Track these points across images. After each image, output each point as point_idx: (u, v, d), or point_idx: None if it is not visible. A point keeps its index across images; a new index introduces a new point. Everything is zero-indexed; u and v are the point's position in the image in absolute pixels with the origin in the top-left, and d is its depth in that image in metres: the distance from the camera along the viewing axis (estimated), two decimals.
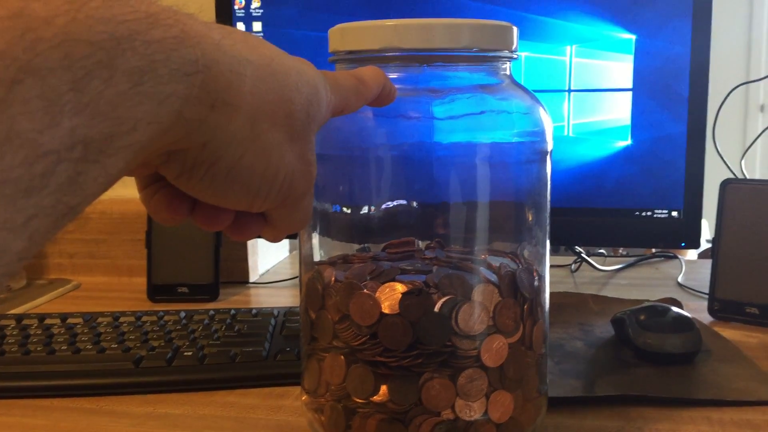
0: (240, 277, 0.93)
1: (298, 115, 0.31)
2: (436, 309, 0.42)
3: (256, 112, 0.29)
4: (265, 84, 0.29)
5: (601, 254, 1.04)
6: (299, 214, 0.35)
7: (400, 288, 0.42)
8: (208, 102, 0.27)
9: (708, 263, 0.76)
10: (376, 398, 0.42)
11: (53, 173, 0.22)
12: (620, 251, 1.19)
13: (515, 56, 0.44)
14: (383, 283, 0.43)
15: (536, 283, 0.46)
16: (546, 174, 0.46)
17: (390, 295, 0.42)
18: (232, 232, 0.35)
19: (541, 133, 0.45)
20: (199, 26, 0.26)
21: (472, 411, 0.42)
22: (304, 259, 0.48)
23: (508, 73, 0.45)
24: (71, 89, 0.22)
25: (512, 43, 0.44)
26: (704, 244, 1.03)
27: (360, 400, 0.43)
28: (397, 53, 0.42)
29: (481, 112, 0.44)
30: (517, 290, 0.44)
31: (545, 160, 0.46)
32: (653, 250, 1.05)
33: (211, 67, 0.26)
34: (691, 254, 1.28)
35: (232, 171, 0.29)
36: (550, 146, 0.46)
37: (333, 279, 0.45)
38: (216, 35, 0.27)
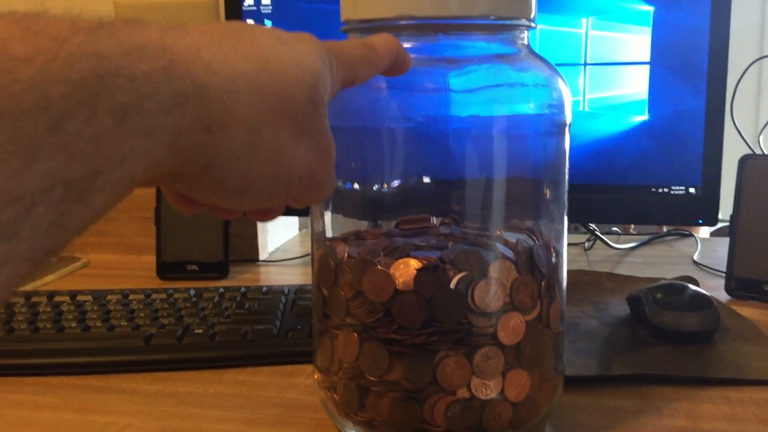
0: (250, 255, 0.92)
1: (303, 109, 0.30)
2: (452, 285, 0.41)
3: (256, 123, 0.28)
4: (261, 92, 0.28)
5: (615, 232, 1.03)
6: (323, 191, 0.34)
7: (414, 264, 0.41)
8: (202, 128, 0.26)
9: (724, 241, 0.74)
10: (390, 376, 0.42)
11: (26, 218, 0.21)
12: (631, 229, 1.17)
13: (533, 25, 0.43)
14: (397, 259, 0.42)
15: (554, 259, 0.45)
16: (564, 148, 0.45)
17: (404, 272, 0.41)
18: (253, 215, 0.35)
19: (559, 105, 0.44)
20: (187, 49, 0.25)
21: (488, 390, 0.41)
22: (316, 236, 0.47)
23: (525, 42, 0.44)
24: (47, 131, 0.21)
25: (530, 11, 0.42)
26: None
27: (374, 379, 0.42)
28: (411, 21, 0.40)
29: (498, 84, 0.42)
30: (535, 267, 0.43)
31: (563, 133, 0.44)
32: (665, 229, 1.03)
33: (201, 93, 0.25)
34: (704, 232, 1.26)
35: (243, 183, 0.29)
36: (568, 119, 0.44)
37: (346, 255, 0.44)
38: (206, 55, 0.26)
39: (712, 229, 1.26)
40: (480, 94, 0.42)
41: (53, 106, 0.21)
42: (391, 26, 0.41)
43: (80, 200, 0.22)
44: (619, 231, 1.04)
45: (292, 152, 0.30)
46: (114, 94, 0.22)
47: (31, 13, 0.22)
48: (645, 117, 0.73)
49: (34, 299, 0.68)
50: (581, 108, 0.73)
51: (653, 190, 0.73)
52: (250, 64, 0.28)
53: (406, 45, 0.40)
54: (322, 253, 0.45)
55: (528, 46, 0.44)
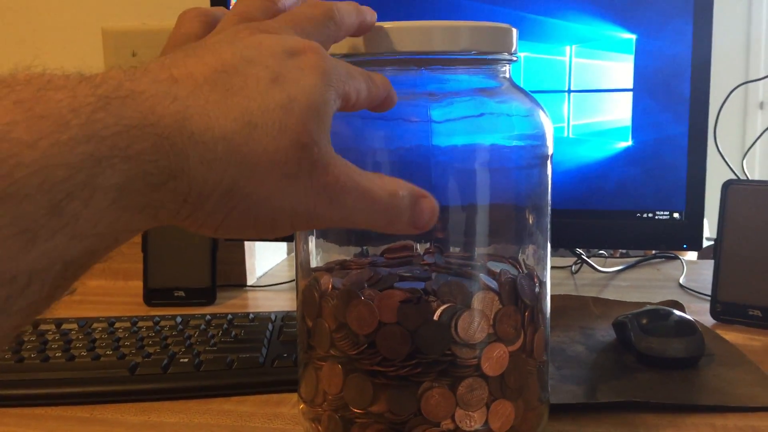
0: (237, 280, 0.92)
1: (289, 156, 0.29)
2: (435, 317, 0.41)
3: (232, 184, 0.28)
4: (239, 153, 0.28)
5: (602, 255, 1.03)
6: (357, 220, 0.33)
7: (398, 296, 0.42)
8: (180, 200, 0.27)
9: (709, 263, 0.75)
10: (374, 408, 0.42)
11: (20, 296, 0.22)
12: (619, 252, 1.18)
13: (515, 59, 0.44)
14: (381, 290, 0.42)
15: (537, 289, 0.45)
16: (547, 179, 0.45)
17: (388, 303, 0.41)
18: None
19: (541, 137, 0.44)
20: (174, 116, 0.26)
21: (472, 421, 0.41)
22: (301, 265, 0.47)
23: (507, 75, 0.44)
24: (48, 213, 0.22)
25: (512, 45, 0.43)
26: (704, 242, 1.03)
27: (358, 411, 0.42)
28: (394, 56, 0.41)
29: (480, 114, 0.43)
30: (518, 297, 0.43)
31: (545, 165, 0.45)
32: (653, 251, 1.04)
33: (183, 167, 0.26)
34: (692, 254, 1.27)
35: (219, 231, 0.29)
36: (550, 150, 0.45)
37: (330, 286, 0.44)
38: (190, 123, 0.26)
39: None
40: (461, 126, 0.43)
41: (55, 189, 0.22)
42: (375, 60, 0.41)
43: (75, 277, 0.23)
44: (606, 254, 1.04)
45: (280, 198, 0.29)
46: (110, 176, 0.23)
47: (32, 88, 0.23)
48: (629, 143, 0.73)
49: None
50: (566, 134, 0.74)
51: (638, 215, 0.74)
52: (231, 124, 0.28)
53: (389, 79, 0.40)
54: (306, 284, 0.45)
55: (510, 80, 0.45)
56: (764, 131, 0.93)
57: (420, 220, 0.34)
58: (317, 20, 0.35)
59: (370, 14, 0.39)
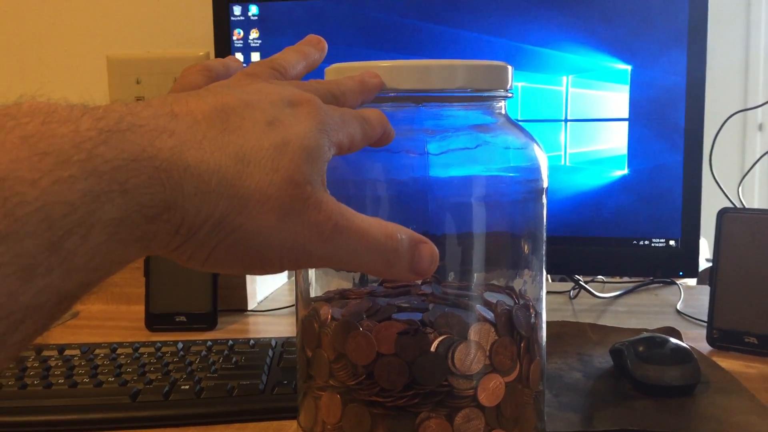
0: (238, 304, 0.92)
1: (282, 192, 0.29)
2: (432, 348, 0.42)
3: (224, 217, 0.28)
4: (231, 186, 0.28)
5: (600, 280, 1.04)
6: (353, 263, 0.32)
7: (396, 327, 0.42)
8: (173, 231, 0.27)
9: (707, 289, 0.76)
10: None
11: (15, 331, 0.22)
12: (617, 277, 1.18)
13: (510, 95, 0.45)
14: (379, 321, 0.43)
15: (533, 320, 0.46)
16: (542, 212, 0.46)
17: (386, 335, 0.42)
18: None
19: (536, 170, 0.45)
20: (171, 150, 0.26)
21: None
22: (301, 295, 0.48)
23: (503, 111, 0.46)
24: (47, 250, 0.22)
25: (507, 83, 0.44)
26: (704, 263, 1.04)
27: None
28: (392, 94, 0.42)
29: (475, 154, 0.44)
30: (514, 328, 0.44)
31: (540, 199, 0.46)
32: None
33: (176, 199, 0.27)
34: (690, 278, 1.27)
35: (208, 261, 0.30)
36: (545, 184, 0.46)
37: (329, 317, 0.45)
38: (186, 155, 0.27)
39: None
40: (458, 158, 0.44)
41: (55, 226, 0.22)
42: (374, 98, 0.42)
43: (67, 309, 0.24)
44: (604, 279, 1.05)
45: (270, 233, 0.30)
46: (108, 210, 0.24)
47: (37, 121, 0.23)
48: (625, 171, 0.75)
49: (23, 353, 0.69)
50: (563, 162, 0.75)
51: (634, 242, 0.75)
52: (226, 159, 0.28)
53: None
54: (306, 315, 0.46)
55: (506, 115, 0.46)
56: (760, 157, 0.95)
57: (420, 266, 0.34)
58: (319, 94, 0.36)
59: (372, 81, 0.40)
